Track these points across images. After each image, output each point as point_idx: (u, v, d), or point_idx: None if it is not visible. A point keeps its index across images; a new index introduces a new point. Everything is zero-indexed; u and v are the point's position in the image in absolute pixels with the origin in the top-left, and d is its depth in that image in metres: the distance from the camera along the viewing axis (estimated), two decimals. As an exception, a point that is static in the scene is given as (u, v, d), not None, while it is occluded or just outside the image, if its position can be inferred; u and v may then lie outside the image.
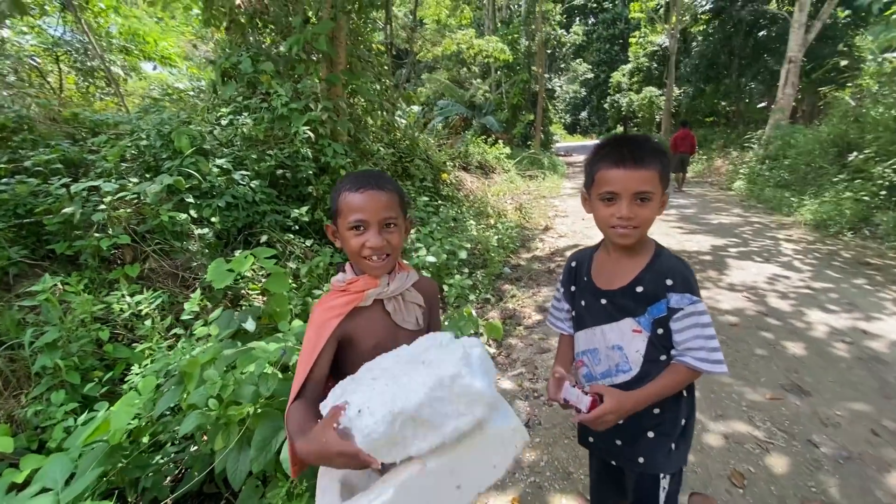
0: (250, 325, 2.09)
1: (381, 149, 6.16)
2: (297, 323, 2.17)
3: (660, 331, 1.08)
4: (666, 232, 6.50)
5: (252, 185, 3.71)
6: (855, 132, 7.56)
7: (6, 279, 2.54)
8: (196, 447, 1.76)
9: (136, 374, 1.89)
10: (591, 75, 33.64)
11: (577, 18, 32.86)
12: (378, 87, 6.19)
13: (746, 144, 12.25)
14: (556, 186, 11.88)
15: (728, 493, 1.91)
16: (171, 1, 6.88)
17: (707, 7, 17.62)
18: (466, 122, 15.84)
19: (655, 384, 1.05)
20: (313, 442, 0.75)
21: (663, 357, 1.10)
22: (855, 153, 7.15)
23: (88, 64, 7.32)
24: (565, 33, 23.20)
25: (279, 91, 4.14)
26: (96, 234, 2.74)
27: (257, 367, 1.48)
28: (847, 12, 12.95)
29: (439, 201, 6.52)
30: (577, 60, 32.97)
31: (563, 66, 31.36)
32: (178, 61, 9.58)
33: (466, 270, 4.41)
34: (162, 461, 1.73)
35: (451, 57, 16.94)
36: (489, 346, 3.33)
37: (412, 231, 4.22)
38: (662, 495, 1.15)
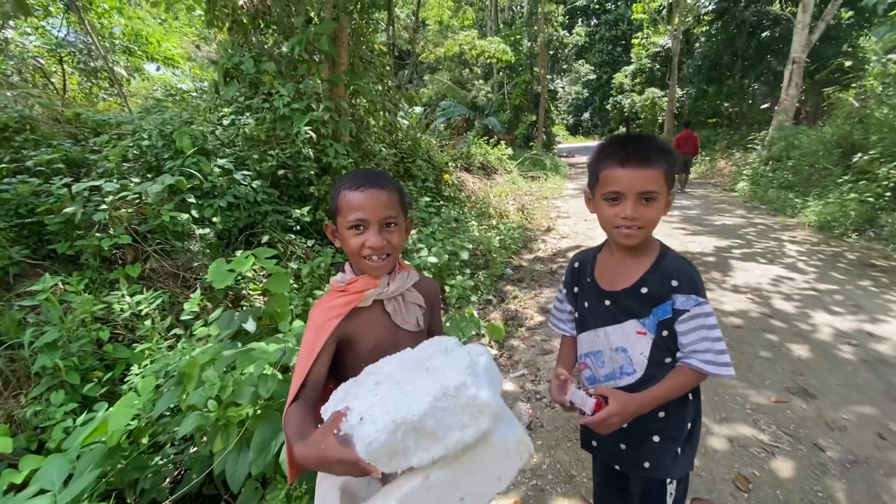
0: (251, 326, 2.08)
1: (384, 149, 6.16)
2: (297, 323, 2.15)
3: (665, 333, 1.06)
4: (669, 233, 6.47)
5: (254, 185, 3.70)
6: (859, 133, 7.51)
7: (7, 279, 2.53)
8: (195, 448, 1.75)
9: (136, 375, 1.88)
10: (593, 76, 33.58)
11: (580, 19, 32.80)
12: (380, 87, 6.18)
13: (750, 145, 12.21)
14: (559, 187, 11.85)
15: (732, 497, 1.88)
16: (174, 2, 6.91)
17: (710, 8, 17.59)
18: (468, 122, 15.84)
19: (661, 386, 1.03)
20: (313, 447, 0.74)
21: (668, 359, 1.08)
22: (859, 154, 7.10)
23: (91, 64, 7.34)
24: (567, 34, 23.18)
25: (281, 91, 4.14)
26: (97, 234, 2.73)
27: (256, 368, 1.47)
28: (850, 13, 12.89)
29: (441, 202, 6.51)
30: (580, 61, 32.91)
31: (565, 67, 31.30)
32: (181, 62, 9.61)
33: (468, 271, 4.39)
34: (161, 462, 1.71)
35: (454, 58, 16.94)
36: (491, 347, 3.31)
37: (414, 231, 4.21)
38: (669, 501, 1.13)
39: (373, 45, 6.46)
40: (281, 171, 4.10)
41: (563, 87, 33.09)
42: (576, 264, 1.26)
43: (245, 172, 3.75)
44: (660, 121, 20.41)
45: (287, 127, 4.19)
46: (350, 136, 4.99)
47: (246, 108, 4.53)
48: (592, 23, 33.54)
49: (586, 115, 40.60)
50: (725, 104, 17.49)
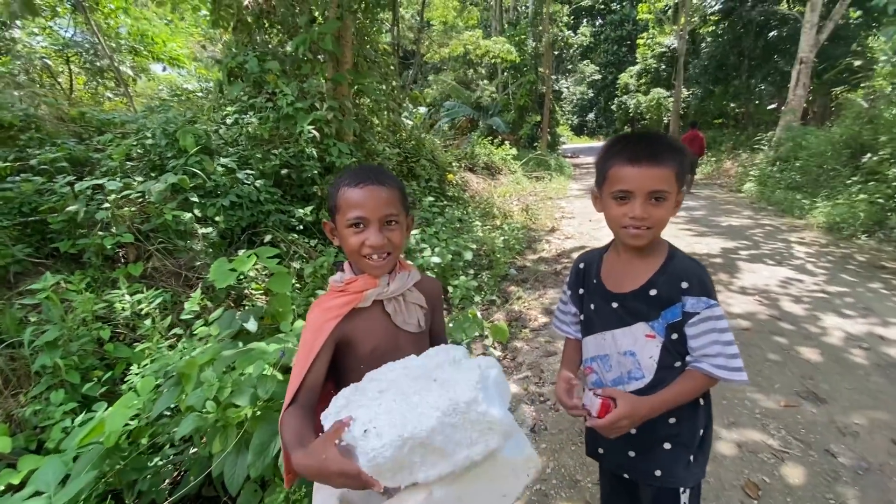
0: (252, 326, 2.06)
1: (387, 149, 6.14)
2: (299, 323, 2.13)
3: (674, 336, 1.02)
4: (675, 234, 6.41)
5: (256, 184, 3.69)
6: (868, 134, 7.42)
7: (9, 277, 2.53)
8: (195, 449, 1.73)
9: (135, 375, 1.86)
10: (598, 77, 33.48)
11: (585, 20, 32.72)
12: (384, 87, 6.17)
13: (756, 146, 12.12)
14: (563, 188, 11.80)
15: (742, 504, 1.84)
16: (179, 2, 6.92)
17: (716, 8, 17.47)
18: (473, 123, 15.81)
19: (671, 390, 1.00)
20: (312, 457, 0.71)
21: (678, 363, 1.04)
22: (869, 155, 7.02)
23: (98, 64, 7.37)
24: (572, 34, 23.09)
25: (285, 90, 4.13)
26: (100, 233, 2.73)
27: (256, 369, 1.44)
28: (859, 13, 12.77)
29: (445, 202, 6.48)
30: (585, 62, 32.83)
31: (570, 67, 31.24)
32: (187, 62, 9.64)
33: (472, 271, 4.37)
34: (160, 463, 1.69)
35: (458, 58, 16.92)
36: (494, 348, 3.27)
37: (417, 231, 4.19)
38: None
39: (377, 45, 6.44)
40: (284, 171, 4.09)
41: (567, 88, 33.03)
42: (581, 265, 1.22)
43: (248, 171, 3.74)
44: (665, 121, 20.28)
45: (290, 126, 4.18)
46: (354, 136, 4.97)
47: (249, 108, 4.52)
48: (597, 23, 33.44)
49: (591, 116, 40.45)
50: (732, 105, 17.37)
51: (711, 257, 5.29)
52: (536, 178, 12.01)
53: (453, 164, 8.25)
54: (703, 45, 18.95)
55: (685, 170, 1.00)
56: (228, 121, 4.43)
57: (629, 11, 28.74)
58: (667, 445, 1.07)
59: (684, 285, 1.00)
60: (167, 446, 1.73)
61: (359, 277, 0.97)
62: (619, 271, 1.11)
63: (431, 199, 5.78)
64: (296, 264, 3.41)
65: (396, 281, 1.00)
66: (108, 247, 2.68)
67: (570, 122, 37.03)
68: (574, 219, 7.99)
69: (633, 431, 1.07)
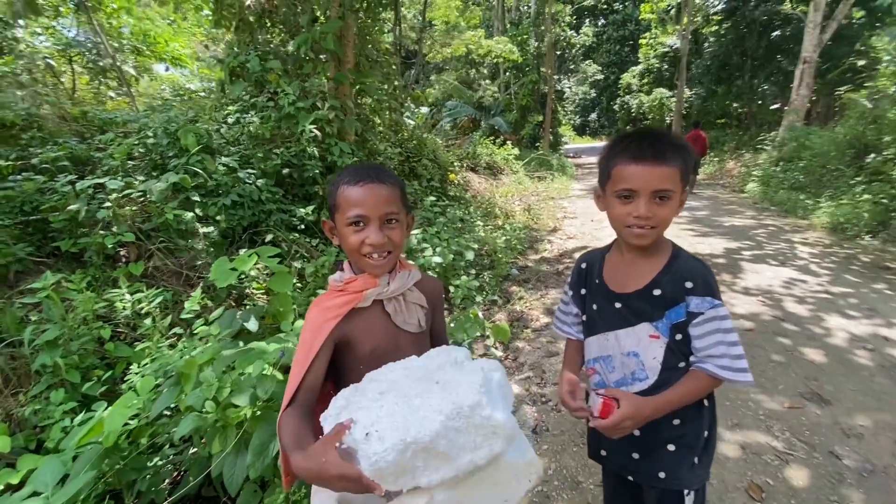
0: (253, 325, 2.05)
1: (389, 148, 6.13)
2: (300, 323, 2.12)
3: (678, 336, 1.01)
4: (677, 234, 6.39)
5: (258, 183, 3.68)
6: (872, 134, 7.38)
7: (9, 276, 2.52)
8: (195, 449, 1.72)
9: (135, 374, 1.85)
10: (600, 77, 33.40)
11: (587, 19, 32.68)
12: (386, 86, 6.16)
13: (760, 146, 12.06)
14: (565, 188, 11.77)
15: (745, 506, 1.83)
16: (182, 1, 6.93)
17: (719, 7, 17.39)
18: (475, 122, 15.80)
19: (675, 390, 0.99)
20: (311, 460, 0.69)
21: (682, 364, 1.03)
22: (872, 155, 6.98)
23: (100, 64, 7.38)
24: (575, 34, 23.07)
25: (286, 90, 4.12)
26: (101, 232, 2.72)
27: (255, 369, 1.43)
28: (862, 13, 12.70)
29: (446, 201, 6.47)
30: (587, 62, 32.75)
31: (572, 67, 31.19)
32: (189, 62, 9.66)
33: (473, 271, 4.35)
34: (160, 463, 1.69)
35: (460, 58, 16.91)
36: (496, 348, 3.26)
37: (418, 231, 4.17)
38: None
39: (379, 45, 6.44)
40: (286, 170, 4.08)
41: (570, 88, 32.98)
42: (583, 265, 1.21)
43: (250, 171, 3.74)
44: (668, 121, 20.22)
45: (292, 125, 4.17)
46: (355, 135, 4.96)
47: (251, 107, 4.52)
48: (600, 23, 33.38)
49: (593, 116, 40.37)
50: (735, 105, 17.29)
51: (714, 258, 5.26)
52: (538, 178, 11.99)
53: (455, 163, 8.24)
54: (706, 44, 18.87)
55: (690, 168, 0.99)
56: (230, 120, 4.43)
57: (632, 11, 28.69)
58: (671, 447, 1.06)
59: (689, 285, 0.98)
60: (167, 446, 1.72)
61: (358, 277, 0.96)
62: (623, 271, 1.10)
63: (433, 198, 5.77)
64: (297, 264, 3.40)
65: (397, 280, 0.98)
66: (109, 246, 2.68)
67: (572, 122, 36.95)
68: (576, 219, 7.97)
69: (637, 433, 1.05)
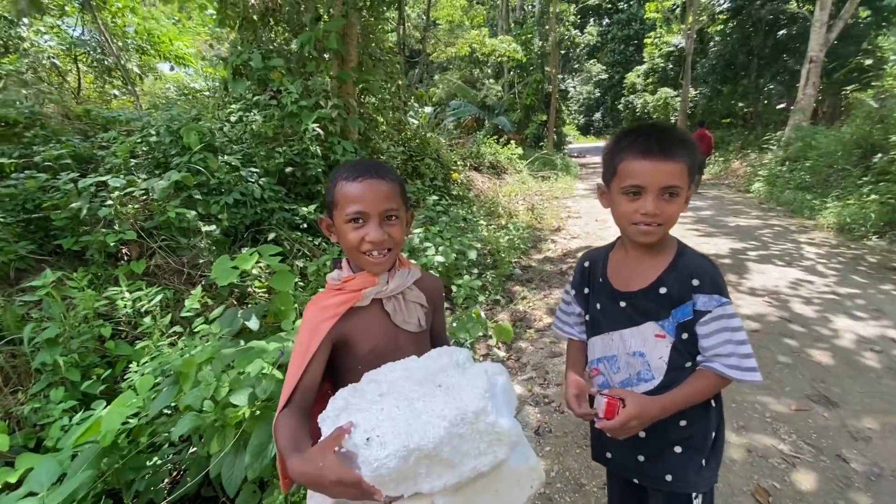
0: (254, 324, 2.04)
1: (392, 147, 6.12)
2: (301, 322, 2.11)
3: (685, 336, 0.99)
4: (682, 234, 6.31)
5: (260, 182, 3.68)
6: (879, 134, 7.31)
7: (9, 274, 2.52)
8: (194, 449, 1.71)
9: (135, 373, 1.84)
10: (605, 76, 33.30)
11: (592, 19, 32.59)
12: (389, 85, 6.15)
13: (765, 146, 11.98)
14: (569, 187, 11.73)
15: (751, 510, 1.80)
16: (186, 0, 6.94)
17: (725, 6, 17.30)
18: (479, 122, 15.76)
19: (682, 390, 0.96)
20: (309, 464, 0.67)
21: (689, 364, 1.00)
22: (879, 155, 6.92)
23: (105, 63, 7.40)
24: (579, 34, 23.00)
25: (289, 88, 4.11)
26: (103, 230, 2.72)
27: (254, 368, 1.42)
28: (868, 12, 12.60)
29: (449, 201, 6.45)
30: (591, 61, 32.66)
31: (576, 66, 31.03)
32: (194, 61, 9.68)
33: (476, 271, 4.32)
34: (159, 463, 1.67)
35: (464, 57, 16.88)
36: (498, 349, 3.24)
37: (421, 230, 4.15)
38: None
39: (382, 43, 6.42)
40: (288, 169, 4.07)
41: (574, 87, 32.84)
42: (586, 264, 1.18)
43: (252, 169, 3.73)
44: (672, 121, 20.12)
45: (295, 124, 4.16)
46: (358, 134, 4.95)
47: (254, 105, 4.52)
48: (604, 22, 33.28)
49: (598, 115, 40.24)
50: (740, 104, 17.19)
51: (720, 258, 5.22)
52: (542, 177, 11.95)
53: (458, 163, 8.21)
54: (712, 43, 18.77)
55: (696, 164, 0.96)
56: (233, 118, 4.42)
57: (636, 10, 28.56)
58: (678, 449, 1.03)
59: (695, 283, 0.96)
60: (166, 445, 1.71)
61: (357, 275, 0.94)
62: (627, 269, 1.07)
63: (436, 197, 5.75)
64: (299, 262, 3.39)
65: (396, 279, 0.96)
66: (111, 244, 2.67)
67: (576, 121, 36.84)
68: (580, 218, 7.93)
69: (642, 435, 1.03)
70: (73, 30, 7.82)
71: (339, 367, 0.94)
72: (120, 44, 7.87)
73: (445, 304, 3.72)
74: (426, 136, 7.54)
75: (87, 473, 1.31)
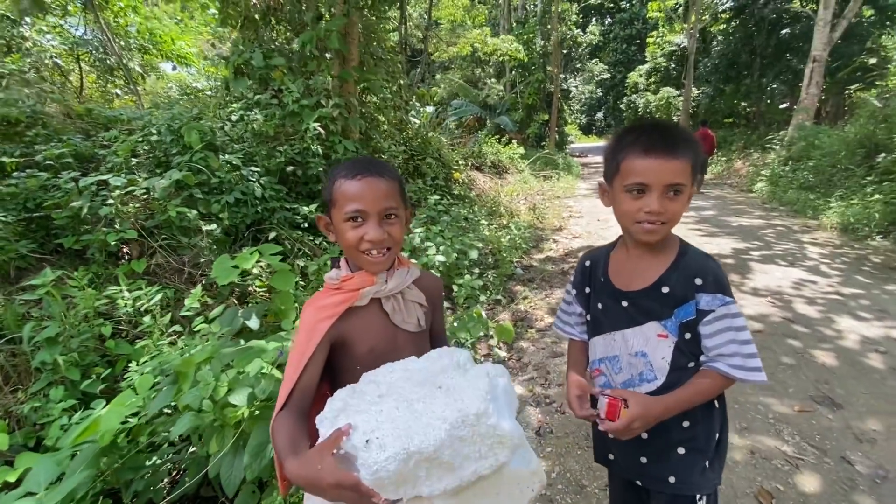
0: (254, 323, 2.03)
1: (393, 147, 6.11)
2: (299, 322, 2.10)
3: (687, 335, 0.97)
4: (684, 234, 6.22)
5: (261, 181, 3.67)
6: (883, 133, 7.27)
7: (10, 273, 2.52)
8: (194, 449, 1.70)
9: (134, 372, 1.84)
10: (607, 75, 33.21)
11: (594, 18, 32.49)
12: (391, 85, 6.14)
13: (768, 145, 11.93)
14: (571, 187, 11.70)
15: (755, 512, 1.78)
16: (188, 0, 6.94)
17: (728, 5, 17.23)
18: (480, 121, 15.74)
19: (685, 390, 0.95)
20: (306, 466, 0.66)
21: (692, 364, 0.99)
22: (883, 154, 6.88)
23: (108, 62, 7.42)
24: (581, 33, 22.95)
25: (291, 87, 4.11)
26: (104, 229, 2.72)
27: (253, 368, 1.41)
28: (872, 11, 12.54)
29: (451, 200, 6.44)
30: (594, 60, 32.58)
31: (578, 66, 30.97)
32: (196, 61, 9.69)
33: (477, 270, 4.31)
34: (158, 462, 1.67)
35: (466, 57, 16.87)
36: (499, 348, 3.23)
37: (422, 229, 4.14)
38: None
39: (384, 43, 6.41)
40: (289, 168, 4.07)
41: (576, 87, 32.81)
42: (587, 263, 1.17)
43: (253, 168, 3.72)
44: (675, 120, 20.07)
45: (296, 123, 4.16)
46: (360, 134, 4.95)
47: (255, 104, 4.51)
48: (607, 21, 33.17)
49: (600, 115, 40.14)
50: (743, 103, 17.13)
51: (722, 258, 5.19)
52: (544, 177, 11.92)
53: (460, 162, 8.20)
54: (714, 43, 18.71)
55: (699, 162, 0.95)
56: (234, 117, 4.42)
57: (639, 10, 28.44)
58: (681, 450, 1.02)
59: (698, 282, 0.95)
60: (165, 445, 1.71)
61: (355, 274, 0.93)
62: (629, 268, 1.06)
63: (437, 197, 5.73)
64: (300, 262, 3.39)
65: (395, 278, 0.95)
66: (112, 243, 2.67)
67: (578, 121, 36.80)
68: (582, 218, 7.92)
69: (645, 436, 1.02)
70: (76, 29, 7.85)
71: (337, 367, 0.93)
72: (122, 43, 7.89)
73: (446, 304, 3.71)
74: (428, 135, 7.54)
75: (85, 473, 1.30)
